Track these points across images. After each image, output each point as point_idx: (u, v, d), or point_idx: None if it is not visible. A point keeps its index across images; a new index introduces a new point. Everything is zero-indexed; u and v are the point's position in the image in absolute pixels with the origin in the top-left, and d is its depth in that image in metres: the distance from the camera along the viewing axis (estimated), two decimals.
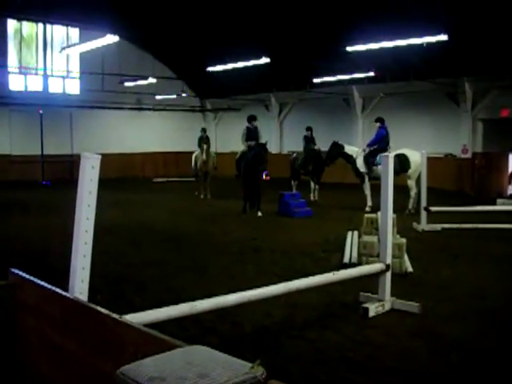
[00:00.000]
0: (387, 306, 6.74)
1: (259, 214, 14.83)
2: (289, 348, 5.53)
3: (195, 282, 8.01)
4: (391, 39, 15.18)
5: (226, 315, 6.18)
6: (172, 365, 2.09)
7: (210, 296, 5.30)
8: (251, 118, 15.76)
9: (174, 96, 28.47)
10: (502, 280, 8.46)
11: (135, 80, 25.17)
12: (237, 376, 2.00)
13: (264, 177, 16.41)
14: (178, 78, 30.37)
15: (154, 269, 8.91)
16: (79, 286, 3.98)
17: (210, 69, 21.55)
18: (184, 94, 29.29)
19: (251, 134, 15.41)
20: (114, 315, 2.86)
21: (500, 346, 5.68)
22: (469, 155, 22.90)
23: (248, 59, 18.95)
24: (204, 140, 19.84)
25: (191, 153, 21.27)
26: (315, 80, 23.80)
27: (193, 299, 5.14)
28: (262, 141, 15.54)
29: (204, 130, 20.73)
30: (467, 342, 5.75)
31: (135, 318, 4.21)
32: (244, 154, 15.52)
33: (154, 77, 23.99)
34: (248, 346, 5.54)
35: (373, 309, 6.54)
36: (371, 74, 21.51)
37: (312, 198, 18.24)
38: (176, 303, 5.03)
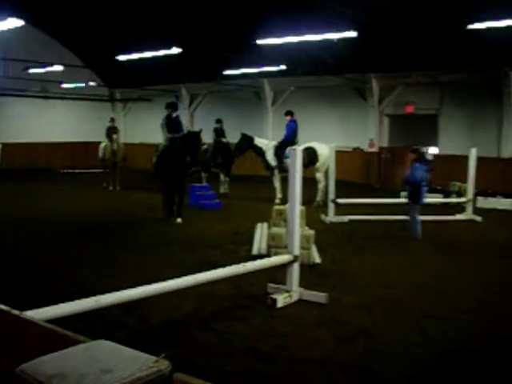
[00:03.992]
0: (295, 297, 6.84)
1: (179, 220, 12.42)
2: (197, 340, 5.51)
3: (103, 276, 7.82)
4: (302, 34, 15.38)
5: (135, 309, 6.08)
6: (74, 361, 2.03)
7: (118, 290, 5.20)
8: (171, 106, 13.34)
9: (82, 85, 27.69)
10: (405, 269, 8.79)
11: (41, 67, 24.25)
12: (141, 370, 1.97)
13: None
14: (86, 67, 29.54)
15: (59, 263, 8.65)
16: None
17: (120, 58, 21.09)
18: (92, 83, 28.55)
19: (174, 125, 13.03)
20: (15, 311, 2.74)
21: (405, 333, 5.88)
22: (375, 149, 23.64)
23: (158, 49, 18.68)
24: (112, 130, 19.42)
25: (100, 143, 20.78)
26: (226, 72, 23.79)
27: (100, 293, 5.02)
28: (191, 130, 13.92)
29: (112, 120, 20.31)
30: (373, 330, 5.92)
31: (38, 314, 4.08)
32: (166, 148, 12.82)
33: (60, 64, 23.22)
34: (156, 340, 5.48)
35: (281, 299, 6.62)
36: (282, 67, 21.71)
37: (222, 190, 18.25)
38: (82, 298, 4.89)
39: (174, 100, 14.56)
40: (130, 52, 19.90)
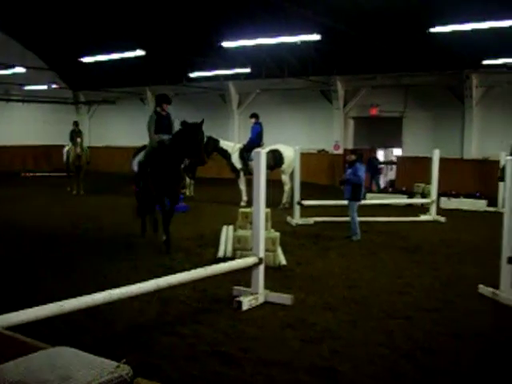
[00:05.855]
0: (261, 299, 6.85)
1: (164, 237, 10.04)
2: (162, 345, 5.47)
3: (66, 282, 7.71)
4: (267, 36, 15.43)
5: (98, 314, 6.02)
6: (34, 368, 2.01)
7: (80, 295, 5.14)
8: (162, 99, 10.65)
9: (45, 87, 27.30)
10: (370, 270, 8.88)
11: (2, 69, 23.80)
12: (101, 376, 1.96)
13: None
14: (49, 69, 29.16)
15: (21, 269, 8.50)
16: None
17: (84, 60, 20.85)
18: (55, 86, 28.17)
19: (163, 124, 10.44)
20: None
21: (369, 333, 5.93)
22: (340, 151, 23.83)
23: (123, 51, 18.53)
24: (76, 134, 19.20)
25: (63, 147, 20.53)
26: (192, 75, 23.73)
27: (63, 299, 4.95)
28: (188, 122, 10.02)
29: (76, 124, 20.08)
30: (338, 331, 5.96)
31: (1, 321, 4.01)
32: (154, 152, 10.20)
33: (22, 66, 22.85)
34: (121, 345, 5.43)
35: (246, 302, 6.61)
36: (247, 70, 21.74)
37: (188, 193, 18.18)
38: (44, 304, 4.81)
39: (165, 93, 11.71)
40: (94, 54, 19.69)
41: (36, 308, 4.69)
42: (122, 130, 30.71)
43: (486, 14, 12.93)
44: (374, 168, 20.97)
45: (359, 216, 11.68)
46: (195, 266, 6.90)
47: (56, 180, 22.90)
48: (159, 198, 10.21)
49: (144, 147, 11.03)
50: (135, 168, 10.83)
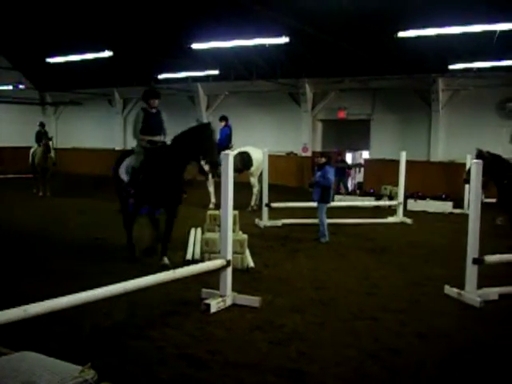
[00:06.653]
0: (229, 302, 6.84)
1: (165, 260, 8.75)
2: (129, 348, 5.43)
3: (33, 285, 7.57)
4: (235, 38, 15.44)
5: (64, 318, 5.93)
6: None
7: (48, 299, 5.07)
8: (149, 94, 9.34)
9: (10, 87, 26.90)
10: (337, 271, 8.95)
11: None
12: (65, 381, 1.93)
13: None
14: (14, 69, 28.75)
15: None
16: None
17: (50, 60, 20.59)
18: (21, 86, 27.79)
19: (152, 123, 9.19)
20: None
21: (336, 335, 5.97)
22: (309, 154, 23.95)
23: (90, 51, 18.35)
24: (42, 135, 18.96)
25: (29, 148, 20.23)
26: (160, 76, 23.61)
27: (31, 303, 4.87)
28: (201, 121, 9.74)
29: (42, 125, 19.84)
30: (305, 333, 5.99)
31: None
32: (151, 155, 8.94)
33: None
34: (88, 349, 5.37)
35: (214, 305, 6.60)
36: (216, 72, 21.71)
37: None
38: (7, 308, 4.73)
39: (154, 88, 10.31)
40: (61, 54, 19.47)
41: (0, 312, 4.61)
42: (90, 131, 30.46)
43: (453, 19, 13.15)
44: (342, 170, 21.13)
45: (328, 218, 11.75)
46: (163, 269, 6.85)
47: (22, 181, 22.55)
48: (153, 210, 9.40)
49: (130, 152, 9.63)
50: (124, 176, 9.23)
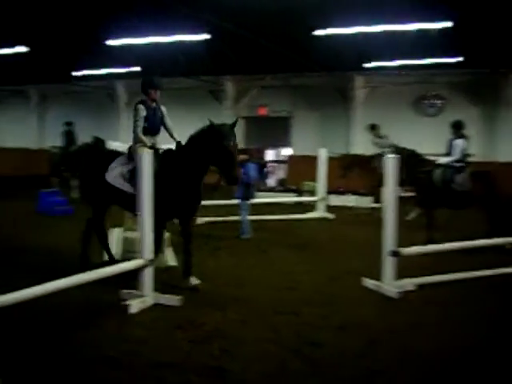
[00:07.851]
0: (149, 301, 6.74)
1: (194, 280, 7.60)
2: (46, 351, 5.26)
3: None
4: (154, 35, 15.27)
5: None
6: None
7: None
8: (148, 85, 7.97)
9: None
10: (259, 268, 9.02)
11: None
12: None
13: None
14: None
15: None
16: None
17: None
18: None
19: (153, 120, 8.16)
20: None
21: (258, 331, 5.98)
22: None
23: (4, 47, 17.71)
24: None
25: None
26: (77, 73, 23.05)
27: None
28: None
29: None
30: (227, 330, 5.97)
31: None
32: (160, 161, 7.79)
33: None
34: (3, 354, 5.16)
35: (135, 305, 6.49)
36: (136, 68, 21.40)
37: (74, 195, 17.56)
38: None
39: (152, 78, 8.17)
40: None
41: None
42: (7, 129, 29.38)
43: (370, 18, 13.44)
44: (261, 167, 21.37)
45: (250, 215, 11.79)
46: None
47: None
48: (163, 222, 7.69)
49: (116, 153, 8.39)
50: (117, 182, 8.13)
